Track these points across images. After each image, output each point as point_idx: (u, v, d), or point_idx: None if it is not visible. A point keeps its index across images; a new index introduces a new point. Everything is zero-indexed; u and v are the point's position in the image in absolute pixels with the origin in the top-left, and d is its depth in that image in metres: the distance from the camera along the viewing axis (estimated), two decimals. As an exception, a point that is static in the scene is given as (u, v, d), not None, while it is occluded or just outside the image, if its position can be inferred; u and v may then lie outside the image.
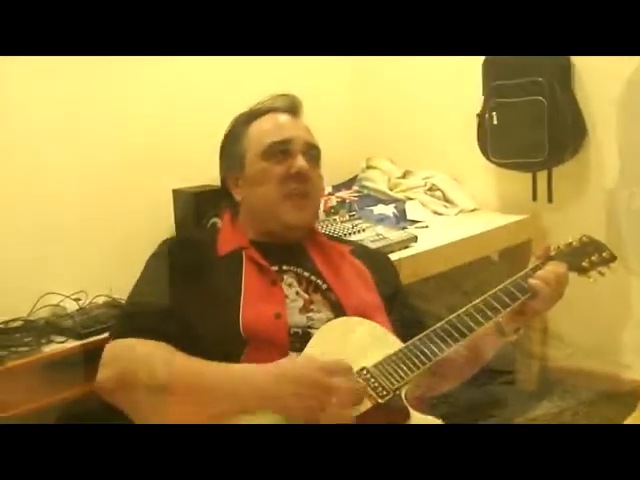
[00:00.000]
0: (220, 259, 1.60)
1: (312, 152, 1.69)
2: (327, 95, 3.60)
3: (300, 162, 1.63)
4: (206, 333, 1.45)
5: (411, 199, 3.62)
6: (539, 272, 1.59)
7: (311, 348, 1.42)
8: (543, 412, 3.35)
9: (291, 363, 1.34)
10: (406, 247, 2.82)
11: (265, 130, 1.69)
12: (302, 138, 1.68)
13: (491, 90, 3.47)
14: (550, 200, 3.59)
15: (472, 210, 3.74)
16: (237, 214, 1.73)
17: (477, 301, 1.54)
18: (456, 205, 3.70)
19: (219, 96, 3.20)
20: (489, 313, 1.51)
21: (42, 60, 2.50)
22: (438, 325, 1.48)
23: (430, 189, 3.72)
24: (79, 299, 2.57)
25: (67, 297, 2.55)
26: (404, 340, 1.48)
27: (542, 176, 3.59)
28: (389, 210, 3.39)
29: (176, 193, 2.90)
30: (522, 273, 1.61)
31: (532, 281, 1.56)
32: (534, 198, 3.63)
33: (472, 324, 1.49)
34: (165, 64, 3.00)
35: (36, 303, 2.48)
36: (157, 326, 1.42)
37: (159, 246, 1.67)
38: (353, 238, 2.69)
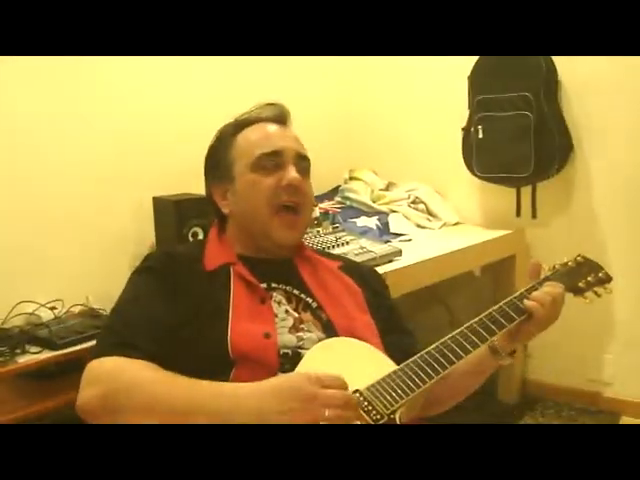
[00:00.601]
0: (207, 275, 1.54)
1: (302, 163, 1.63)
2: (310, 104, 3.57)
3: (292, 173, 1.58)
4: (193, 352, 1.39)
5: (394, 212, 3.60)
6: (535, 293, 1.53)
7: (301, 369, 1.36)
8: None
9: (285, 378, 1.27)
10: (390, 261, 2.78)
11: (254, 141, 1.63)
12: (292, 149, 1.62)
13: (477, 104, 3.46)
14: (534, 216, 3.59)
15: (455, 224, 3.73)
16: (224, 227, 1.67)
17: (472, 322, 1.49)
18: (439, 218, 3.68)
19: (202, 103, 3.17)
20: (485, 334, 1.46)
21: (24, 63, 2.46)
22: (433, 346, 1.43)
23: (413, 202, 3.70)
24: (55, 308, 2.54)
25: (42, 306, 2.51)
26: (397, 360, 1.43)
27: (526, 191, 3.58)
28: (372, 222, 3.36)
29: (156, 201, 2.85)
30: (518, 293, 1.56)
31: (528, 302, 1.51)
32: (518, 213, 3.62)
33: (468, 345, 1.44)
34: (150, 70, 2.96)
35: (10, 311, 2.43)
36: (142, 344, 1.36)
37: (143, 260, 1.59)
38: (337, 251, 2.65)
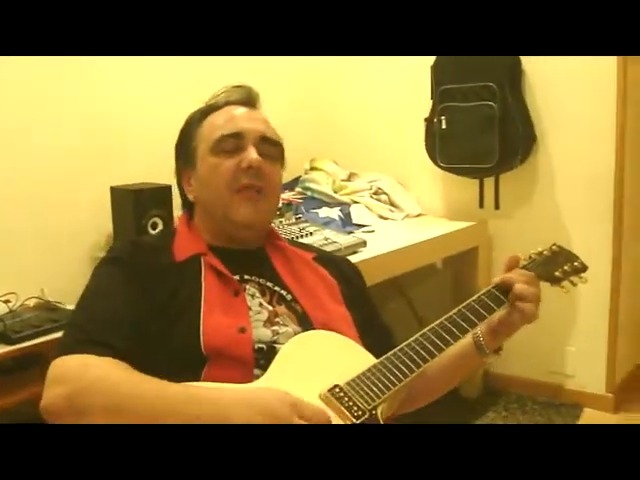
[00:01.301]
0: (177, 266, 1.47)
1: (268, 146, 1.56)
2: (271, 93, 3.49)
3: (251, 155, 1.50)
4: (163, 348, 1.32)
5: (356, 202, 3.56)
6: (518, 286, 1.48)
7: (276, 365, 1.31)
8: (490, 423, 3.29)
9: (265, 393, 1.20)
10: (354, 252, 2.74)
11: (217, 124, 1.56)
12: (256, 130, 1.55)
13: (440, 94, 3.43)
14: (497, 207, 3.58)
15: (417, 215, 3.70)
16: (192, 216, 1.61)
17: (452, 313, 1.45)
18: (402, 210, 3.65)
19: (165, 93, 3.11)
20: (465, 325, 1.43)
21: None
22: (413, 338, 1.39)
23: (375, 193, 3.67)
24: (9, 301, 2.45)
25: None
26: (374, 354, 1.39)
27: (489, 182, 3.57)
28: (334, 213, 3.32)
29: (114, 191, 2.78)
30: (495, 283, 1.51)
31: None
32: (481, 205, 3.61)
33: (448, 337, 1.40)
34: (111, 61, 2.88)
35: None
36: (109, 340, 1.29)
37: (108, 251, 1.51)
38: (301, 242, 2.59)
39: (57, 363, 1.27)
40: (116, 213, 2.77)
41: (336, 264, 1.67)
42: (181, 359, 1.30)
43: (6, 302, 2.44)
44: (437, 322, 1.43)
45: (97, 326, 1.32)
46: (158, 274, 1.43)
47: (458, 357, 1.52)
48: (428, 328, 1.41)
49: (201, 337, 1.32)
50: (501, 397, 3.60)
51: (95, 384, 1.20)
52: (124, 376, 1.23)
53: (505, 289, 1.50)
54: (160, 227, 2.69)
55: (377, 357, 1.37)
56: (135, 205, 2.68)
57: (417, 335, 1.40)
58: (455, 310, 1.46)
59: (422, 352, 1.36)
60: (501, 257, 3.50)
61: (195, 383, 1.26)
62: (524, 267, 1.60)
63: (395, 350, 1.36)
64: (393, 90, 3.84)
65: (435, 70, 3.45)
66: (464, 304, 1.48)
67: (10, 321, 2.30)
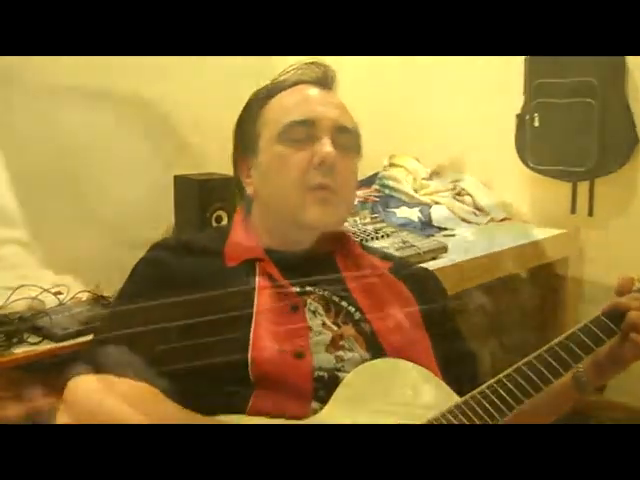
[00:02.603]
0: (227, 272, 1.28)
1: (345, 136, 1.35)
2: (349, 84, 3.34)
3: (326, 148, 1.29)
4: (203, 372, 1.14)
5: (438, 203, 3.33)
6: (633, 314, 1.24)
7: (339, 398, 1.12)
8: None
9: None
10: (434, 258, 2.53)
11: (285, 107, 1.36)
12: (332, 117, 1.34)
13: (534, 89, 3.20)
14: (591, 214, 3.30)
15: (502, 220, 3.45)
16: (250, 212, 1.41)
17: (553, 343, 1.23)
18: (487, 213, 3.40)
19: (237, 83, 2.95)
20: (569, 360, 1.21)
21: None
22: (505, 374, 1.17)
23: (459, 193, 3.44)
24: (60, 293, 2.31)
25: (45, 290, 2.28)
26: (456, 389, 1.20)
27: (582, 186, 3.30)
28: (414, 214, 3.12)
29: (178, 180, 2.65)
30: (604, 310, 1.28)
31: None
32: (573, 211, 3.34)
33: (548, 374, 1.18)
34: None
35: (10, 295, 2.21)
36: (138, 358, 1.14)
37: (150, 250, 1.35)
38: (375, 244, 2.40)
39: (74, 385, 1.17)
40: (179, 204, 2.65)
41: (416, 278, 1.44)
42: (224, 385, 1.13)
43: (57, 294, 2.31)
44: (534, 354, 1.21)
45: (125, 339, 1.18)
46: (204, 281, 1.25)
47: (553, 396, 1.29)
48: (523, 362, 1.19)
49: (249, 361, 1.14)
50: (590, 421, 3.34)
51: (110, 416, 1.07)
52: (152, 407, 1.08)
53: (616, 317, 1.26)
54: (225, 222, 2.56)
55: (458, 391, 1.18)
56: (200, 196, 2.55)
57: (510, 370, 1.18)
58: (556, 340, 1.23)
59: (516, 391, 1.14)
60: (593, 271, 3.26)
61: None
62: (638, 290, 1.35)
63: (483, 387, 1.15)
64: (480, 84, 3.59)
65: (530, 63, 3.23)
66: (567, 334, 1.25)
67: (57, 315, 2.16)
